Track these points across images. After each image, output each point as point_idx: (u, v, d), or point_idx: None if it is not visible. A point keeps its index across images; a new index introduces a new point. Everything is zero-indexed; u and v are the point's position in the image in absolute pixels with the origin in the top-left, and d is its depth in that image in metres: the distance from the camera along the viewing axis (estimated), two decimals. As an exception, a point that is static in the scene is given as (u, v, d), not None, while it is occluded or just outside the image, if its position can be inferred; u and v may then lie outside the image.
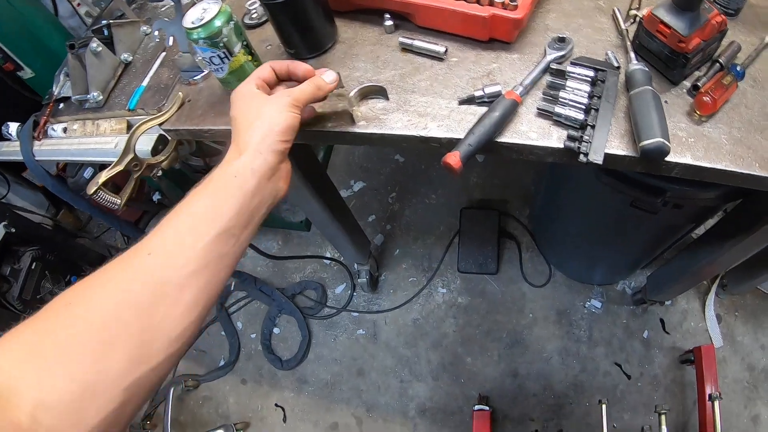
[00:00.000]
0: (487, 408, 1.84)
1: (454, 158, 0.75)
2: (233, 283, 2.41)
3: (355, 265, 2.11)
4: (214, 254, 0.60)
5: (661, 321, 2.09)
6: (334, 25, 1.03)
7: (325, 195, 1.46)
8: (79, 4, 1.72)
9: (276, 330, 2.31)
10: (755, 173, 0.79)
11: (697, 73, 0.90)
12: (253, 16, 1.13)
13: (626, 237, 1.64)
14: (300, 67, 0.80)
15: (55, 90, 1.28)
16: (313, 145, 2.38)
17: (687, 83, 0.88)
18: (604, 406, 1.64)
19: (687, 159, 0.80)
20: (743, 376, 1.97)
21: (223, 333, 2.34)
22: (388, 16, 1.01)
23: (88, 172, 2.01)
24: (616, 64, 0.89)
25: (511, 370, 2.07)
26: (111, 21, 1.26)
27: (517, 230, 2.35)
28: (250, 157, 0.67)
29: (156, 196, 2.42)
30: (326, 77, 0.80)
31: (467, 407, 1.99)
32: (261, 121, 0.70)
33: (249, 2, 1.13)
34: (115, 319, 0.51)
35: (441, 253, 2.33)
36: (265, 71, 0.77)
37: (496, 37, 0.95)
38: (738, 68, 0.86)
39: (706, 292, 2.10)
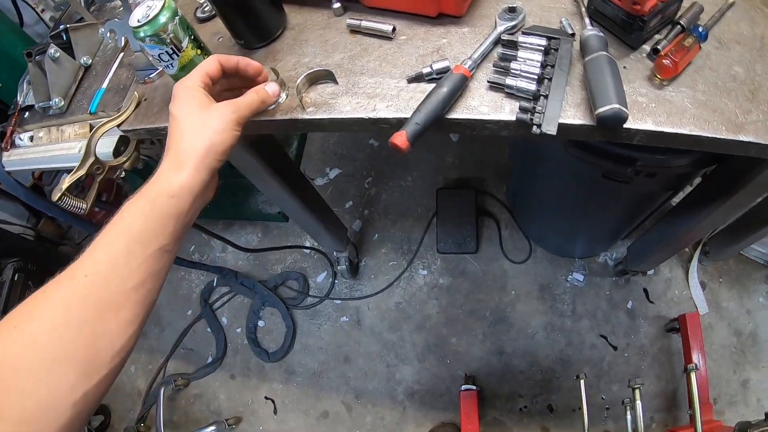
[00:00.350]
0: (474, 387, 1.83)
1: (400, 138, 0.73)
2: (215, 279, 2.39)
3: (334, 253, 2.08)
4: (150, 271, 0.62)
5: (645, 291, 2.09)
6: (282, 11, 1.00)
7: (296, 187, 1.44)
8: (43, 11, 1.73)
9: (260, 323, 2.30)
10: (721, 136, 0.77)
11: (657, 37, 0.87)
12: (205, 9, 1.12)
13: (603, 208, 1.63)
14: (251, 66, 0.79)
15: (20, 99, 1.27)
16: (285, 136, 2.36)
17: (647, 47, 0.86)
18: (582, 381, 1.63)
19: (648, 125, 0.78)
20: (730, 342, 1.98)
21: (209, 330, 2.32)
22: (335, -1, 0.98)
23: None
24: (570, 32, 0.86)
25: (497, 348, 2.06)
26: (69, 25, 1.24)
27: (495, 208, 2.33)
28: (189, 176, 0.66)
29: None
30: (269, 89, 0.79)
31: (455, 387, 1.99)
32: (204, 136, 0.67)
33: None
34: (59, 337, 0.53)
35: (420, 235, 2.31)
36: (212, 66, 0.73)
37: (445, 12, 0.92)
38: (700, 29, 0.84)
39: (688, 260, 2.10)
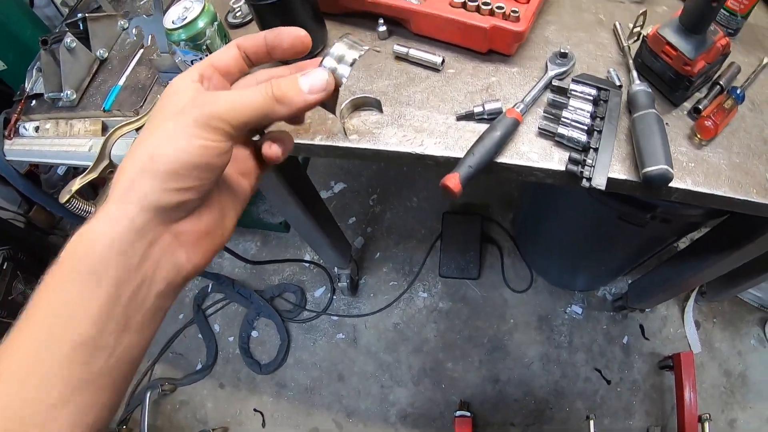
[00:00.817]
0: (469, 414, 1.83)
1: (453, 181, 0.72)
2: (210, 285, 2.36)
3: (336, 269, 2.07)
4: (80, 376, 0.38)
5: (641, 327, 2.11)
6: (324, 27, 0.98)
7: (305, 199, 1.40)
8: None
9: (254, 333, 2.26)
10: (752, 200, 0.78)
11: (697, 95, 0.88)
12: (237, 14, 1.08)
13: (611, 247, 1.64)
14: (285, 36, 0.48)
15: (28, 86, 1.21)
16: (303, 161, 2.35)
17: (687, 105, 0.87)
18: (592, 422, 1.62)
19: (687, 184, 0.79)
20: (720, 382, 2.00)
21: (200, 336, 2.28)
22: (381, 21, 0.96)
23: (61, 169, 1.94)
24: (618, 83, 0.87)
25: (492, 375, 2.06)
26: (87, 14, 1.20)
27: (500, 235, 2.34)
28: (109, 215, 0.40)
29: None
30: (305, 82, 0.45)
31: (448, 413, 1.98)
32: (144, 147, 0.41)
33: (233, 0, 1.09)
34: None
35: (422, 257, 2.31)
36: (223, 55, 0.48)
37: (495, 49, 0.92)
38: (738, 91, 0.85)
39: (685, 300, 2.13)
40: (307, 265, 2.37)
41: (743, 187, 0.79)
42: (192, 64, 0.83)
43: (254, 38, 0.48)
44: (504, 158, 0.80)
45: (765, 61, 0.94)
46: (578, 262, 1.94)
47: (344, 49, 0.48)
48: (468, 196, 2.44)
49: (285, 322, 2.22)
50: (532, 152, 0.81)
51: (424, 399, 2.05)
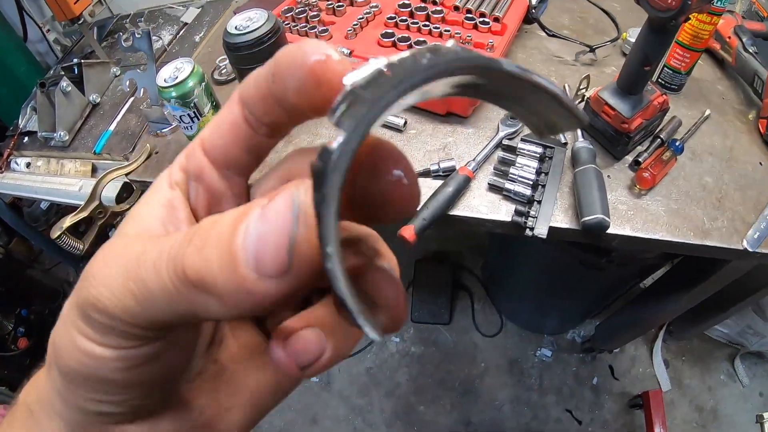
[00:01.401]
0: (441, 457, 1.84)
1: (408, 231, 0.79)
2: None
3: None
4: None
5: (610, 367, 2.15)
6: None
7: None
8: (48, 31, 1.72)
9: None
10: (690, 242, 0.86)
11: (639, 148, 0.97)
12: (223, 72, 1.15)
13: (575, 290, 1.70)
14: (285, 69, 0.21)
15: (21, 123, 1.27)
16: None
17: (629, 158, 0.96)
18: None
19: (626, 231, 0.86)
20: (692, 417, 2.04)
21: None
22: (349, 86, 1.04)
23: (44, 204, 1.96)
24: (563, 141, 0.95)
25: (464, 418, 2.07)
26: (82, 60, 1.27)
27: (470, 281, 2.39)
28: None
29: (113, 232, 2.37)
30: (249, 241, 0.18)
31: (421, 456, 1.98)
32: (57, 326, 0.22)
33: (219, 58, 1.16)
34: None
35: (394, 303, 2.33)
36: (219, 129, 0.24)
37: (453, 112, 1.01)
38: (677, 143, 0.94)
39: (653, 339, 2.18)
40: (282, 307, 2.39)
41: (681, 230, 0.87)
42: (181, 120, 0.90)
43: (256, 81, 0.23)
44: (457, 211, 0.88)
45: (707, 113, 1.04)
46: (545, 306, 1.99)
47: None
48: (440, 244, 2.50)
49: (260, 366, 2.22)
50: (482, 205, 0.89)
51: (396, 442, 2.06)
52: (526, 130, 0.98)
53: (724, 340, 2.16)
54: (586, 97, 0.97)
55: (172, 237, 0.20)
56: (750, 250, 0.85)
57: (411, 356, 2.22)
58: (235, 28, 0.88)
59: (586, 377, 2.13)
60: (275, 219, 0.17)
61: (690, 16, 0.98)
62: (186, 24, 1.51)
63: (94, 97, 1.27)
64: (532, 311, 2.14)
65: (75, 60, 1.30)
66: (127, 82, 1.18)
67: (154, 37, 1.26)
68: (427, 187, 0.91)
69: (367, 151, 0.22)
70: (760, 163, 0.98)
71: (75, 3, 1.24)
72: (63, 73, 1.26)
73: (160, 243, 0.20)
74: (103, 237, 1.17)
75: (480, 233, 2.50)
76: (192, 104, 0.88)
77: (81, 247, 1.09)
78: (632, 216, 0.88)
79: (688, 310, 1.91)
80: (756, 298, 1.36)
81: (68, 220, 1.03)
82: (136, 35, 1.05)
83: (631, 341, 2.13)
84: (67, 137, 1.19)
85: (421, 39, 1.05)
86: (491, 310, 2.30)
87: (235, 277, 0.17)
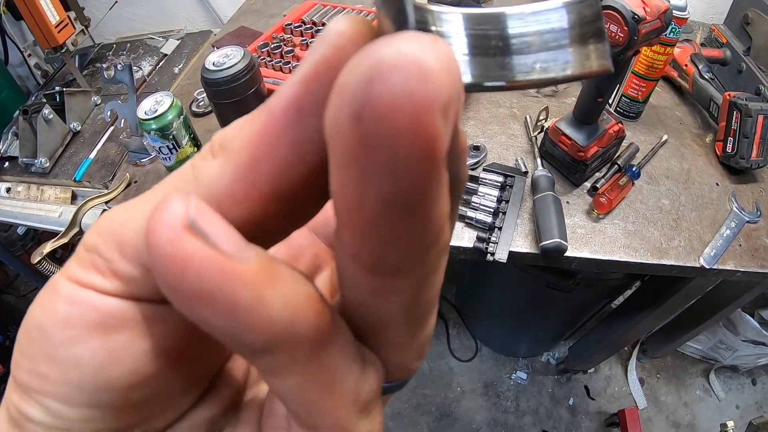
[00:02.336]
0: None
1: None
2: None
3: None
4: None
5: (586, 388, 2.19)
6: None
7: None
8: (29, 55, 1.73)
9: None
10: (647, 261, 0.91)
11: (597, 175, 1.02)
12: (200, 104, 1.19)
13: (546, 313, 1.74)
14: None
15: (2, 147, 1.29)
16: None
17: (588, 184, 1.01)
18: None
19: (585, 253, 0.91)
20: None
21: None
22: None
23: (21, 229, 1.97)
24: (524, 169, 1.01)
25: (442, 442, 2.09)
26: (64, 88, 1.30)
27: (444, 307, 2.43)
28: None
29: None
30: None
31: (399, 481, 1.98)
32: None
33: (197, 91, 1.19)
34: None
35: (370, 331, 2.36)
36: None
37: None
38: (634, 169, 1.00)
39: (627, 358, 2.23)
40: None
41: (638, 251, 0.92)
42: (160, 151, 0.94)
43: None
44: None
45: (664, 138, 1.10)
46: (519, 329, 2.03)
47: None
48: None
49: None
50: None
51: (373, 467, 2.06)
52: (489, 160, 1.03)
53: (697, 356, 2.22)
54: (545, 128, 1.03)
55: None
56: (707, 267, 0.91)
57: (387, 383, 2.23)
58: (213, 64, 0.93)
59: (562, 398, 2.16)
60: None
61: (639, 49, 1.04)
62: (166, 55, 1.55)
63: (75, 125, 1.29)
64: (506, 335, 2.17)
65: (57, 88, 1.33)
66: (109, 112, 1.21)
67: (134, 68, 1.29)
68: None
69: None
70: (717, 184, 1.04)
71: (59, 32, 1.28)
72: (45, 100, 1.29)
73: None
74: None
75: (453, 261, 2.54)
76: (171, 136, 0.92)
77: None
78: (590, 239, 0.93)
79: (660, 329, 1.97)
80: (724, 314, 1.41)
81: (49, 246, 1.05)
82: (118, 67, 1.09)
83: (604, 360, 2.18)
84: (48, 164, 1.21)
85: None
86: (466, 335, 2.33)
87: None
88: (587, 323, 1.93)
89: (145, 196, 0.16)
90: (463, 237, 0.92)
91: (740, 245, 0.94)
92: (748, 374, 2.24)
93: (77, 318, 0.15)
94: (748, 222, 0.98)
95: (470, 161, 1.01)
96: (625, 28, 0.76)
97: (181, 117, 0.93)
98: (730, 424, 1.11)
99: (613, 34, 0.78)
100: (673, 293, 1.24)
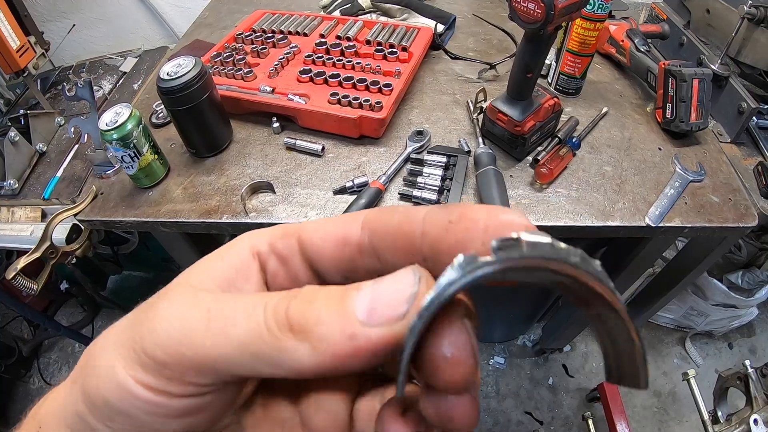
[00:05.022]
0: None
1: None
2: None
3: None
4: None
5: (564, 366, 2.25)
6: (229, 126, 1.14)
7: None
8: None
9: None
10: (592, 224, 0.96)
11: (539, 149, 1.08)
12: (159, 116, 1.22)
13: (514, 294, 1.80)
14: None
15: None
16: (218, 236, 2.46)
17: (530, 158, 1.06)
18: None
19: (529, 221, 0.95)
20: (651, 403, 2.15)
21: None
22: (275, 119, 1.15)
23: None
24: (466, 149, 1.06)
25: (424, 432, 2.12)
26: (29, 111, 1.34)
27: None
28: None
29: (64, 285, 2.37)
30: (362, 300, 0.21)
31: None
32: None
33: (156, 103, 1.23)
34: None
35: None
36: (330, 238, 0.25)
37: (365, 134, 1.11)
38: (574, 140, 1.05)
39: (602, 334, 2.28)
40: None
41: (583, 216, 0.97)
42: (122, 160, 0.98)
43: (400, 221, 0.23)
44: None
45: (604, 110, 1.16)
46: (490, 314, 2.07)
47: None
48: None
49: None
50: None
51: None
52: (434, 142, 1.09)
53: (671, 326, 2.31)
54: (483, 108, 1.09)
55: (265, 294, 0.22)
56: (653, 225, 0.95)
57: (366, 378, 2.26)
58: (167, 74, 0.97)
59: (542, 378, 2.23)
60: (394, 281, 0.21)
61: (566, 24, 1.10)
62: (125, 73, 1.59)
63: (41, 146, 1.33)
64: (480, 321, 2.19)
65: (21, 111, 1.37)
66: (72, 129, 1.23)
67: (95, 87, 1.33)
68: (344, 201, 1.00)
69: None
70: (659, 149, 1.09)
71: (20, 56, 1.32)
72: (10, 123, 1.33)
73: (249, 296, 0.22)
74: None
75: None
76: (132, 144, 0.96)
77: (35, 287, 1.12)
78: (534, 208, 0.98)
79: (630, 301, 2.03)
80: (690, 279, 1.45)
81: (22, 261, 1.07)
82: (79, 85, 1.12)
83: (578, 336, 2.24)
84: (17, 185, 1.25)
85: (336, 72, 1.16)
86: (439, 326, 2.37)
87: (341, 319, 0.20)
88: (558, 302, 1.99)
89: None
90: None
91: (686, 203, 0.99)
92: (723, 338, 2.32)
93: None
94: (692, 181, 1.02)
95: (415, 145, 1.06)
96: (542, 5, 0.80)
97: (141, 126, 0.96)
98: (691, 372, 1.16)
99: (531, 11, 0.81)
100: (630, 259, 1.30)
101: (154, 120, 1.22)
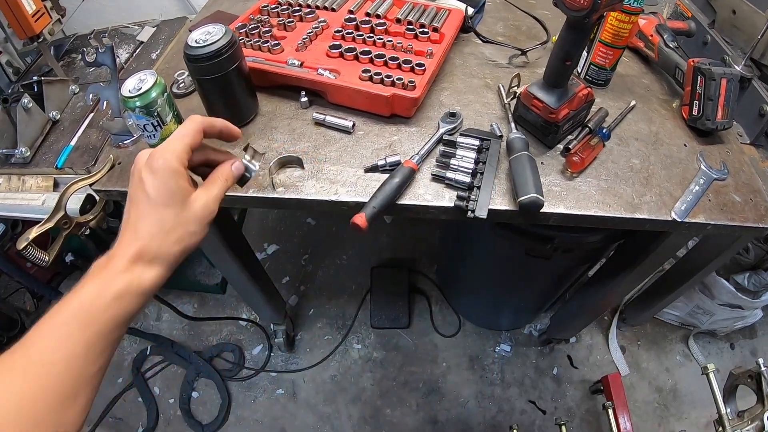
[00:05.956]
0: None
1: (360, 219, 0.85)
2: (149, 348, 2.32)
3: (272, 326, 2.12)
4: (106, 360, 0.57)
5: (569, 357, 2.26)
6: (255, 99, 1.11)
7: (241, 255, 1.50)
8: (0, 52, 1.71)
9: (195, 394, 2.23)
10: (620, 215, 0.96)
11: (569, 137, 1.07)
12: (181, 86, 1.19)
13: (526, 283, 1.79)
14: (233, 132, 0.69)
15: None
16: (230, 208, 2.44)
17: (561, 146, 1.05)
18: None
19: (561, 209, 0.95)
20: (653, 398, 2.16)
21: (140, 399, 2.21)
22: (303, 93, 1.12)
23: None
24: (499, 134, 1.05)
25: (430, 417, 2.13)
26: (42, 78, 1.30)
27: (426, 285, 2.47)
28: (161, 277, 0.59)
29: (69, 257, 2.34)
30: (235, 169, 0.69)
31: (391, 459, 2.01)
32: (182, 238, 0.60)
33: (177, 72, 1.20)
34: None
35: (354, 310, 2.41)
36: (196, 139, 0.63)
37: (397, 113, 1.09)
38: (604, 131, 1.04)
39: (608, 327, 2.30)
40: (243, 324, 2.40)
41: (612, 206, 0.96)
42: (144, 129, 0.95)
43: (212, 123, 0.66)
44: (404, 200, 0.95)
45: (632, 103, 1.16)
46: (500, 302, 2.08)
47: (252, 153, 0.74)
48: (394, 251, 2.59)
49: (225, 381, 2.21)
50: (427, 194, 0.96)
51: (366, 447, 2.09)
52: (466, 125, 1.07)
53: (676, 323, 2.31)
54: (517, 94, 1.07)
55: (218, 184, 0.66)
56: (678, 220, 0.95)
57: (374, 361, 2.27)
58: (195, 41, 0.94)
59: (546, 368, 2.23)
60: (239, 165, 0.70)
61: (604, 14, 1.09)
62: (142, 42, 1.56)
63: (54, 113, 1.29)
64: (489, 309, 2.21)
65: (35, 78, 1.33)
66: (91, 96, 1.21)
67: (113, 54, 1.30)
68: (375, 180, 0.97)
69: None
70: (685, 145, 1.09)
71: (35, 21, 1.28)
72: (23, 90, 1.28)
73: (218, 187, 0.67)
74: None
75: (432, 239, 2.59)
76: (155, 113, 0.92)
77: (47, 258, 1.09)
78: (566, 196, 0.97)
79: (638, 296, 2.04)
80: (699, 277, 1.45)
81: (35, 231, 1.04)
82: (100, 50, 1.10)
83: (585, 328, 2.25)
84: (29, 153, 1.22)
85: (367, 49, 1.14)
86: (449, 312, 2.39)
87: (233, 179, 0.70)
88: (567, 293, 1.98)
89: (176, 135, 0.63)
90: (444, 197, 0.95)
91: (710, 200, 0.98)
92: (725, 339, 2.32)
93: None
94: (716, 179, 1.02)
95: (447, 126, 1.04)
96: (589, -7, 0.79)
97: (165, 94, 0.93)
98: (711, 366, 1.16)
99: (579, 0, 0.81)
100: (647, 254, 1.29)
101: (175, 90, 1.19)
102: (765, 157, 1.13)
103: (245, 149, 0.73)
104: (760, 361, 1.21)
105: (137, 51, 1.53)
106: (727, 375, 1.32)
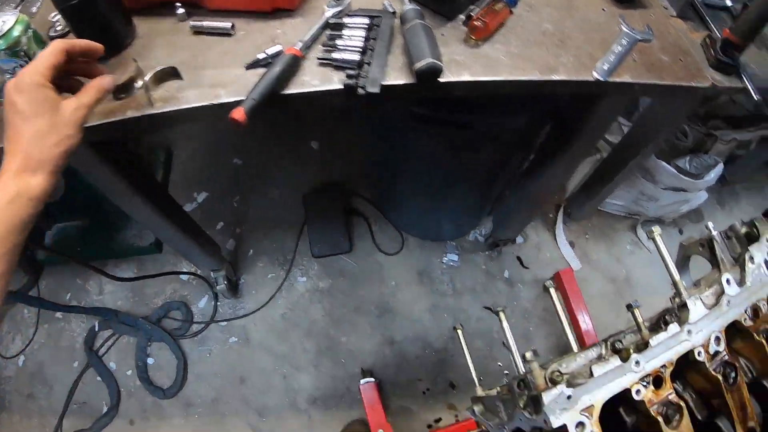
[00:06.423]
0: (373, 379, 1.84)
1: (239, 113, 0.78)
2: (97, 324, 2.22)
3: (212, 274, 2.05)
4: None
5: (518, 258, 2.25)
6: (131, 23, 1.02)
7: (164, 207, 1.44)
8: None
9: (150, 360, 2.16)
10: (536, 78, 0.92)
11: (472, 7, 0.98)
12: (57, 28, 1.10)
13: (461, 182, 1.73)
14: (95, 48, 0.77)
15: None
16: (149, 161, 2.31)
17: (462, 17, 0.97)
18: (459, 331, 1.66)
19: (465, 77, 0.90)
20: (608, 289, 2.21)
21: (98, 378, 2.13)
22: (179, 5, 1.03)
23: None
24: (391, 10, 0.97)
25: (387, 338, 2.11)
26: None
27: (363, 205, 2.40)
28: (47, 181, 0.67)
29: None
30: (105, 82, 0.76)
31: (354, 385, 1.99)
32: (59, 141, 0.68)
33: (52, 15, 1.10)
34: None
35: (293, 243, 2.32)
36: (58, 57, 0.69)
37: (279, 7, 1.01)
38: None
39: (553, 224, 2.30)
40: (186, 278, 2.31)
41: (525, 70, 0.92)
42: (13, 71, 0.87)
43: (73, 44, 0.72)
44: (290, 89, 0.88)
45: None
46: (438, 208, 2.03)
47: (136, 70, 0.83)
48: (326, 176, 2.49)
49: (177, 341, 2.15)
50: (314, 80, 0.88)
51: (327, 378, 2.07)
52: (355, 7, 0.99)
53: (622, 213, 2.33)
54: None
55: (91, 91, 0.74)
56: (601, 79, 0.92)
57: (321, 291, 2.23)
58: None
59: (497, 272, 2.23)
60: (108, 78, 0.77)
61: None
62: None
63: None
64: (429, 218, 2.17)
65: None
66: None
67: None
68: (258, 75, 0.88)
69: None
70: (603, 9, 1.06)
71: None
72: None
73: (91, 93, 0.74)
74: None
75: (361, 157, 2.50)
76: (22, 53, 0.86)
77: None
78: (470, 64, 0.91)
79: (579, 190, 2.02)
80: (637, 161, 1.44)
81: None
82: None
83: (530, 226, 2.24)
84: None
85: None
86: (389, 229, 2.33)
87: (106, 88, 0.76)
88: (506, 191, 1.95)
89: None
90: (332, 80, 0.88)
91: (635, 60, 0.97)
92: (673, 224, 2.38)
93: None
94: (640, 41, 1.00)
95: (334, 10, 0.96)
96: None
97: (30, 31, 0.86)
98: (656, 229, 1.14)
99: None
100: (579, 134, 1.26)
101: (52, 33, 1.10)
102: (693, 29, 1.12)
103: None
104: (710, 225, 1.18)
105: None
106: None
